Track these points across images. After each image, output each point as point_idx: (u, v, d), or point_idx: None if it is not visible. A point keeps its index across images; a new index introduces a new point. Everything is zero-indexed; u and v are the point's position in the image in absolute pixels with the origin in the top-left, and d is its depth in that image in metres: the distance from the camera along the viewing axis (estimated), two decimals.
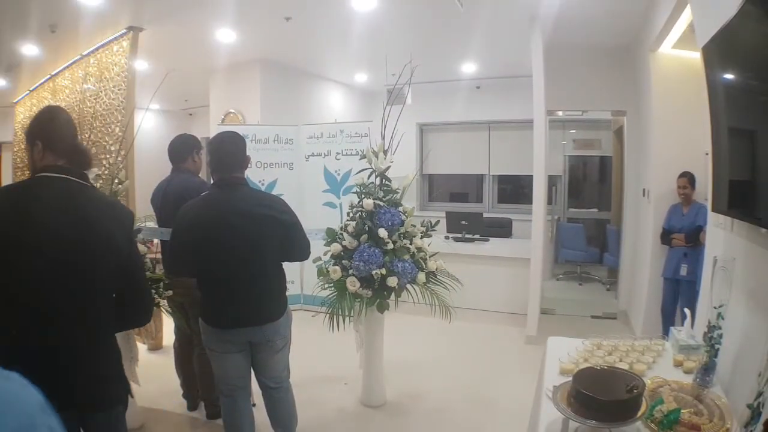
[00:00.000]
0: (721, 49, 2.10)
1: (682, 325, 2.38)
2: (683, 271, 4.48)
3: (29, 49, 5.64)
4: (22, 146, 7.71)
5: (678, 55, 4.50)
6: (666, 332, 2.61)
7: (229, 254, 2.46)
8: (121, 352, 1.89)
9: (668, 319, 4.64)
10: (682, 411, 1.64)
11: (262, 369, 2.77)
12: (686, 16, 3.63)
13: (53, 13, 4.69)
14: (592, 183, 8.85)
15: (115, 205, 1.87)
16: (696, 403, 1.73)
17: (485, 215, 7.20)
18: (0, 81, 7.18)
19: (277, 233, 2.57)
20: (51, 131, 1.73)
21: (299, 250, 2.72)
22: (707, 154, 2.50)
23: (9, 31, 5.09)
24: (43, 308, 1.61)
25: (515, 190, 8.97)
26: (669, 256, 4.68)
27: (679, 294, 4.58)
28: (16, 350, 1.60)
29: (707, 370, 1.91)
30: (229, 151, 2.59)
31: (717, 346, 1.91)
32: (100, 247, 1.69)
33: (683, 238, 4.49)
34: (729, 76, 2.07)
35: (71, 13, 4.65)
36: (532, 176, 5.17)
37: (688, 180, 4.48)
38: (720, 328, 1.90)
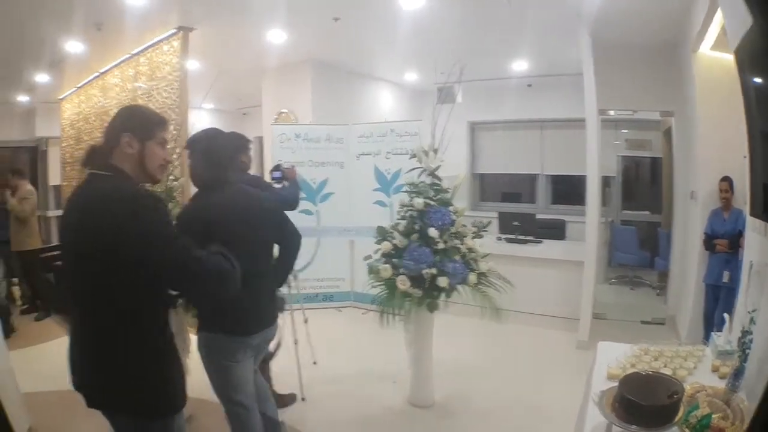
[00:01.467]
0: (750, 52, 2.18)
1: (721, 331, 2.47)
2: (725, 277, 4.49)
3: (74, 46, 5.89)
4: (71, 142, 8.21)
5: (718, 56, 4.51)
6: (708, 338, 2.70)
7: (254, 251, 2.49)
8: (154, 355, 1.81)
9: (710, 325, 4.63)
10: (713, 416, 1.75)
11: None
12: (720, 18, 3.65)
13: (98, 11, 4.90)
14: (644, 184, 8.85)
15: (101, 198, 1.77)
16: (725, 407, 1.83)
17: (538, 216, 7.32)
18: (45, 77, 7.48)
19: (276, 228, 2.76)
20: None
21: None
22: (745, 157, 2.56)
23: (52, 27, 5.29)
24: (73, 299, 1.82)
25: (569, 190, 8.97)
26: (711, 262, 4.70)
27: (719, 300, 4.58)
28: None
29: (737, 374, 1.99)
30: (221, 147, 2.60)
31: (748, 351, 1.99)
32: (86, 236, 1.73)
33: (726, 243, 4.50)
34: (758, 79, 2.15)
35: (117, 12, 4.86)
36: (585, 176, 5.28)
37: (729, 184, 4.49)
38: (752, 332, 1.99)
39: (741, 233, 4.26)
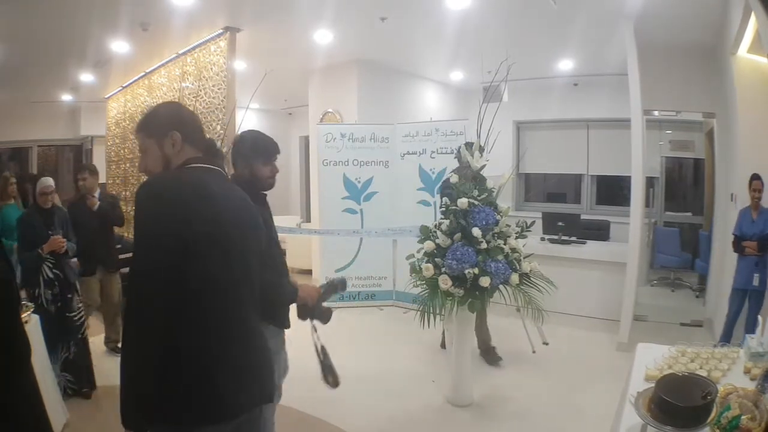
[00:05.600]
0: None
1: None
2: (755, 280, 4.41)
3: (120, 46, 6.18)
4: (116, 140, 8.60)
5: (756, 59, 4.54)
6: (728, 343, 2.76)
7: None
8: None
9: (730, 330, 4.65)
10: (742, 417, 1.82)
11: None
12: (755, 22, 3.72)
13: (144, 12, 5.14)
14: (687, 186, 8.88)
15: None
16: (754, 408, 1.89)
17: (583, 217, 7.38)
18: (89, 76, 7.82)
19: None
20: (187, 122, 1.78)
21: None
22: None
23: (98, 28, 5.49)
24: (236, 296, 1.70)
25: (614, 191, 9.04)
26: (740, 265, 4.61)
27: (747, 305, 4.52)
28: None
29: (767, 376, 2.06)
30: None
31: None
32: (253, 234, 1.80)
33: (755, 245, 4.42)
34: None
35: (163, 12, 5.10)
36: (630, 177, 5.34)
37: (762, 183, 4.42)
38: None
39: None
